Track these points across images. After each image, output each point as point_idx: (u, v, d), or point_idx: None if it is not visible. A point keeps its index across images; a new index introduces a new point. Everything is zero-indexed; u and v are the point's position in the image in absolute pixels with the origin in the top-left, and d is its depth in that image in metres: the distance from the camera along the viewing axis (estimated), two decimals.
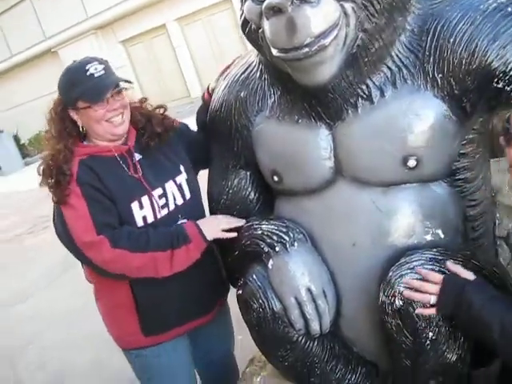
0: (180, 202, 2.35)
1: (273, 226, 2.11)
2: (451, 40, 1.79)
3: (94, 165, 2.23)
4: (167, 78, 17.05)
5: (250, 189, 2.34)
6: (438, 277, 1.73)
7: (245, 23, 1.92)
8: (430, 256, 1.82)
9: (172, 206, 2.32)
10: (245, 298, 2.11)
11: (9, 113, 22.08)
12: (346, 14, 1.73)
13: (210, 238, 2.23)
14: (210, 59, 15.10)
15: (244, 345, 2.55)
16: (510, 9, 1.78)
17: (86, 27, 17.99)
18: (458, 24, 1.79)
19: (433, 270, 1.77)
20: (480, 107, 1.88)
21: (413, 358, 1.88)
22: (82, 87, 2.16)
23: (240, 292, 2.14)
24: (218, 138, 2.33)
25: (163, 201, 2.30)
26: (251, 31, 1.90)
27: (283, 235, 2.07)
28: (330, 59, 1.75)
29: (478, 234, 2.11)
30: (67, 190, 2.17)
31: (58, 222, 2.25)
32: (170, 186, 2.34)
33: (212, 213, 2.44)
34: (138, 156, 2.34)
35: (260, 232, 2.13)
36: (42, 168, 2.24)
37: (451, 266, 1.76)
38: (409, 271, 1.79)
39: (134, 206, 2.23)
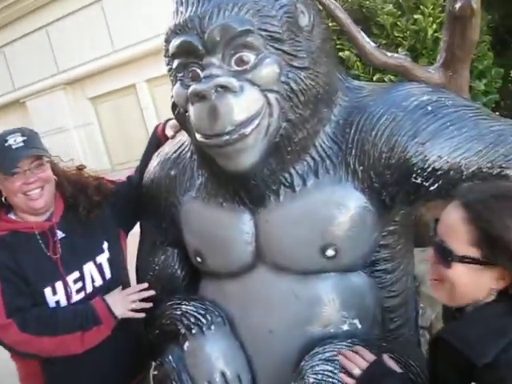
0: (99, 283, 2.30)
1: (192, 308, 2.10)
2: (373, 134, 1.85)
3: (12, 242, 2.19)
4: (133, 137, 17.10)
5: (176, 266, 2.33)
6: (370, 356, 1.73)
7: (174, 106, 1.96)
8: (344, 347, 1.82)
9: (89, 289, 2.28)
10: (159, 379, 2.08)
11: None
12: (269, 103, 1.77)
13: (119, 316, 2.19)
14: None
15: None
16: (430, 107, 1.85)
17: (56, 81, 18.00)
18: (381, 119, 1.85)
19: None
20: (399, 200, 1.91)
21: None
22: (0, 158, 2.16)
23: (155, 372, 2.11)
24: (147, 214, 2.33)
25: (79, 284, 2.26)
26: (179, 114, 1.94)
27: (201, 317, 2.05)
28: (252, 147, 1.78)
29: (397, 324, 2.11)
30: None
31: None
32: (88, 268, 2.29)
33: (117, 277, 2.38)
34: (60, 234, 2.28)
35: (179, 312, 2.11)
36: None
37: (386, 358, 1.74)
38: (320, 362, 1.78)
39: (47, 291, 2.19)
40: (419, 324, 2.36)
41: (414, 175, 1.83)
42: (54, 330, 2.11)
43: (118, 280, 2.37)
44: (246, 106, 1.73)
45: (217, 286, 2.14)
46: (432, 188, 1.85)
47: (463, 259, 1.42)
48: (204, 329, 2.02)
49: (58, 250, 2.24)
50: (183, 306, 2.12)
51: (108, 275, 2.33)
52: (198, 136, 1.81)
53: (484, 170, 1.82)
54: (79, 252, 2.29)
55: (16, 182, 2.16)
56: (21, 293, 2.15)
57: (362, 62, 3.24)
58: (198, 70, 1.80)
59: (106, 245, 2.36)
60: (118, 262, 2.39)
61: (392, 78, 3.10)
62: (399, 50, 3.11)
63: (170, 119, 2.51)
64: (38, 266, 2.20)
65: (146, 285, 2.25)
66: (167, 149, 2.29)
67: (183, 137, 2.25)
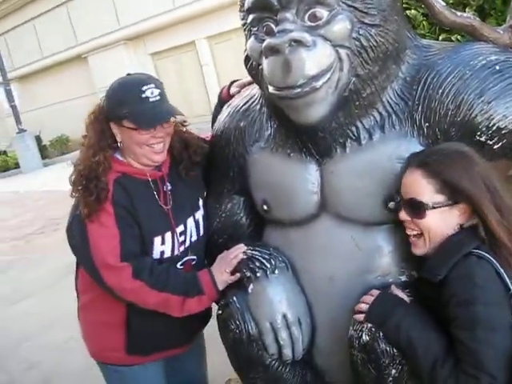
0: (194, 238, 2.37)
1: (257, 252, 2.20)
2: (440, 91, 1.89)
3: (128, 186, 2.20)
4: (192, 94, 17.24)
5: (242, 214, 2.43)
6: (376, 292, 1.89)
7: (247, 59, 2.03)
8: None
9: (188, 243, 2.34)
10: (223, 318, 2.19)
11: (33, 113, 22.40)
12: (340, 59, 1.83)
13: (221, 287, 2.22)
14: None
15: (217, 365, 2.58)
16: (497, 67, 1.88)
17: (117, 37, 18.27)
18: (448, 77, 1.89)
19: None
20: None
21: None
22: (134, 108, 2.11)
23: (220, 312, 2.21)
24: (216, 164, 2.42)
25: (182, 238, 2.32)
26: (252, 67, 2.01)
27: (265, 262, 2.15)
28: (322, 100, 1.85)
29: None
30: (100, 206, 2.13)
31: (77, 235, 2.20)
32: (190, 223, 2.35)
33: (206, 234, 2.46)
34: (168, 186, 2.31)
35: (245, 257, 2.21)
36: (74, 177, 2.19)
37: (394, 289, 1.91)
38: None
39: (157, 240, 2.24)
40: None
41: (479, 133, 1.88)
42: (163, 286, 2.16)
43: (206, 238, 2.44)
44: (318, 61, 1.79)
45: (281, 234, 2.24)
46: (496, 146, 1.90)
47: (434, 206, 1.75)
48: (268, 272, 2.12)
49: (168, 201, 2.29)
50: (248, 251, 2.22)
51: (201, 231, 2.40)
52: (270, 88, 1.88)
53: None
54: (184, 206, 2.35)
55: (145, 135, 2.15)
56: (136, 237, 2.19)
57: (428, 21, 3.23)
58: (273, 25, 1.86)
59: (201, 202, 2.43)
60: (207, 219, 2.46)
61: (459, 37, 3.09)
62: (466, 9, 3.09)
63: (233, 81, 2.60)
64: (151, 213, 2.23)
65: (243, 246, 2.27)
66: (237, 101, 2.37)
67: (253, 90, 2.32)
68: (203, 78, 17.12)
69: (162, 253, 2.27)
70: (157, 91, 2.15)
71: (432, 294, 1.77)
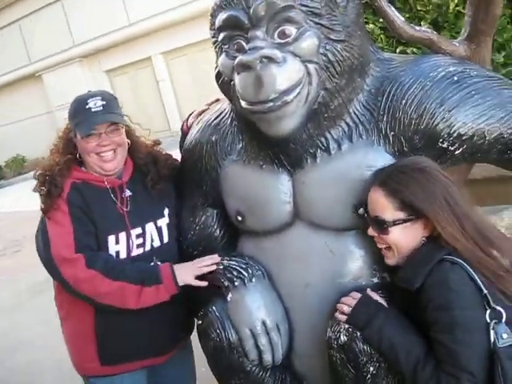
0: (157, 244, 2.44)
1: (234, 262, 2.26)
2: (403, 102, 2.00)
3: (84, 190, 2.34)
4: (149, 110, 17.24)
5: (215, 226, 2.49)
6: (357, 295, 1.97)
7: (218, 75, 2.11)
8: None
9: (148, 247, 2.42)
10: (204, 328, 2.25)
11: None
12: (309, 73, 1.93)
13: (181, 283, 2.29)
14: (192, 94, 15.34)
15: (207, 377, 2.61)
16: (456, 78, 2.00)
17: (71, 54, 18.21)
18: (410, 88, 2.00)
19: None
20: None
21: None
22: (78, 119, 2.31)
23: (200, 322, 2.27)
24: (188, 178, 2.48)
25: (140, 240, 2.40)
26: (223, 82, 2.09)
27: (243, 271, 2.22)
28: (292, 114, 1.94)
29: None
30: (55, 205, 2.28)
31: (39, 235, 2.34)
32: (150, 228, 2.43)
33: (180, 248, 2.53)
34: (128, 192, 2.43)
35: (222, 267, 2.28)
36: (37, 173, 2.36)
37: (370, 293, 2.00)
38: None
39: (111, 239, 2.33)
40: None
41: (441, 140, 1.99)
42: (118, 274, 2.25)
43: (174, 247, 2.52)
44: (288, 76, 1.88)
45: (255, 244, 2.31)
46: (457, 152, 2.01)
47: (395, 223, 1.85)
48: (246, 281, 2.19)
49: (126, 205, 2.40)
50: (225, 262, 2.29)
51: (166, 239, 2.47)
52: (242, 103, 1.96)
53: (505, 136, 2.00)
54: (143, 211, 2.44)
55: (91, 143, 2.32)
56: (90, 233, 2.30)
57: (385, 34, 3.37)
58: (243, 43, 1.95)
59: (166, 211, 2.51)
60: (174, 230, 2.52)
61: (415, 50, 3.24)
62: (422, 23, 3.24)
63: (190, 115, 2.73)
64: (106, 213, 2.35)
65: (217, 257, 2.35)
66: (207, 116, 2.44)
67: (223, 105, 2.40)
68: (160, 93, 17.16)
69: (118, 253, 2.36)
70: (100, 102, 2.33)
71: (407, 299, 1.87)
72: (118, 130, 2.36)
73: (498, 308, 1.71)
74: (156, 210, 2.49)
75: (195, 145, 2.42)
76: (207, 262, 2.32)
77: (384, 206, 1.86)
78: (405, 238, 1.86)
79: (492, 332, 1.69)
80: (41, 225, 2.35)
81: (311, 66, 1.92)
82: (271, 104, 1.88)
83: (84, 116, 2.31)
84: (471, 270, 1.73)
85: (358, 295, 1.98)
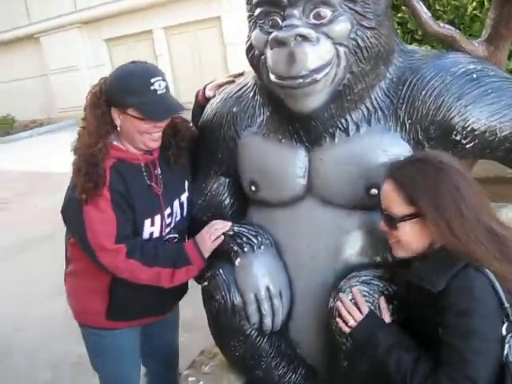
0: (178, 218, 2.50)
1: (244, 229, 2.37)
2: (423, 92, 2.10)
3: (123, 171, 2.30)
4: None
5: (226, 194, 2.58)
6: (366, 309, 2.02)
7: (249, 48, 2.19)
8: (377, 274, 2.12)
9: (173, 224, 2.47)
10: (209, 289, 2.35)
11: None
12: (338, 55, 2.02)
13: (207, 255, 2.37)
14: (190, 72, 15.35)
15: (186, 345, 2.72)
16: (474, 75, 2.11)
17: (72, 19, 18.06)
18: (431, 80, 2.11)
19: (377, 285, 2.06)
20: None
21: (349, 360, 2.14)
22: (142, 99, 2.20)
23: (206, 283, 2.38)
24: (206, 145, 2.56)
25: (169, 220, 2.45)
26: (254, 56, 2.17)
27: (252, 238, 2.32)
28: (319, 92, 2.03)
29: None
30: (97, 192, 2.21)
31: (73, 216, 2.29)
32: (176, 205, 2.48)
33: (189, 214, 2.59)
34: (158, 169, 2.42)
35: (231, 233, 2.38)
36: (77, 163, 2.26)
37: (382, 302, 2.05)
38: (358, 283, 2.08)
39: (147, 222, 2.36)
40: None
41: (455, 132, 2.10)
42: (153, 261, 2.30)
43: (188, 217, 2.58)
44: (320, 55, 1.97)
45: (265, 214, 2.41)
46: (468, 146, 2.12)
47: (403, 218, 1.84)
48: (255, 248, 2.30)
49: (159, 185, 2.41)
50: (235, 228, 2.39)
51: (185, 212, 2.53)
52: (272, 77, 2.05)
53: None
54: (171, 189, 2.47)
55: (147, 125, 2.26)
56: (129, 220, 2.31)
57: (401, 29, 3.47)
58: (279, 20, 2.03)
59: (186, 184, 2.56)
60: (192, 201, 2.59)
61: (428, 47, 3.33)
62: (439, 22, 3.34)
63: (206, 84, 2.72)
64: (143, 197, 2.34)
65: (227, 222, 2.44)
66: (230, 88, 2.53)
67: (246, 79, 2.49)
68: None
69: (151, 234, 2.39)
70: (164, 84, 2.26)
71: (418, 293, 1.89)
72: None
73: None
74: (179, 185, 2.53)
75: (215, 114, 2.50)
76: (219, 226, 2.41)
77: (393, 200, 1.87)
78: (413, 233, 1.85)
79: (507, 346, 1.70)
80: (75, 203, 2.27)
81: (341, 49, 2.01)
82: (301, 80, 1.97)
83: (151, 98, 2.22)
84: (494, 280, 1.72)
85: (363, 307, 2.03)
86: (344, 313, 2.03)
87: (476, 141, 2.11)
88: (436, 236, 1.80)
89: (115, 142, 2.34)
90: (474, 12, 3.33)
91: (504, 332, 1.70)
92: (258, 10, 2.11)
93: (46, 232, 6.75)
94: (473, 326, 1.69)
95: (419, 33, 3.30)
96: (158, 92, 2.23)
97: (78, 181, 2.23)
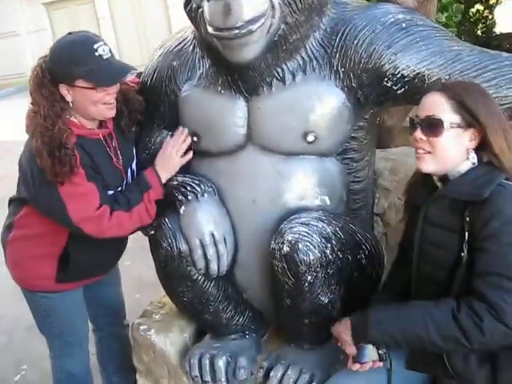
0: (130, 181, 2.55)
1: (187, 179, 2.44)
2: (355, 42, 2.20)
3: (86, 146, 2.30)
4: None
5: None
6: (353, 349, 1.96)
7: (187, 2, 2.22)
8: (316, 216, 2.23)
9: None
10: (156, 238, 2.42)
11: None
12: (273, 7, 2.08)
13: (174, 172, 2.45)
14: (132, 35, 15.16)
15: (140, 302, 2.77)
16: (404, 24, 2.21)
17: None
18: (362, 30, 2.20)
19: (315, 226, 2.18)
20: (372, 100, 2.29)
21: (292, 298, 2.26)
22: (89, 67, 2.16)
23: (152, 232, 2.45)
24: (147, 100, 2.58)
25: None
26: (191, 9, 2.20)
27: (196, 186, 2.39)
28: (255, 42, 2.09)
29: (358, 205, 2.53)
30: (73, 173, 2.20)
31: (49, 201, 2.28)
32: (129, 173, 2.53)
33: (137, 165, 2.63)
34: (115, 141, 2.45)
35: (176, 183, 2.45)
36: (38, 148, 2.19)
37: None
38: (298, 224, 2.18)
39: (110, 193, 2.41)
40: (374, 210, 2.79)
41: (386, 79, 2.20)
42: (128, 204, 2.36)
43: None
44: (255, 6, 2.02)
45: (209, 164, 2.48)
46: (399, 92, 2.23)
47: (451, 125, 1.82)
48: (198, 196, 2.37)
49: (119, 157, 2.45)
50: (179, 178, 2.46)
51: (130, 179, 2.55)
52: (209, 29, 2.10)
53: (442, 81, 2.21)
54: (127, 158, 2.52)
55: (100, 93, 2.23)
56: (103, 186, 2.35)
57: None
58: None
59: (134, 150, 2.60)
60: (136, 155, 2.63)
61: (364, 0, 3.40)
62: None
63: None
64: (109, 170, 2.39)
65: (185, 130, 2.45)
66: (169, 43, 2.56)
67: (185, 33, 2.53)
68: (99, 31, 16.80)
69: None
70: (107, 48, 2.23)
71: (440, 218, 1.89)
72: None
73: None
74: (131, 152, 2.57)
75: (156, 68, 2.54)
76: (182, 138, 2.45)
77: (442, 106, 1.85)
78: (452, 144, 1.84)
79: None
80: (46, 187, 2.25)
81: (276, 0, 2.07)
82: (237, 31, 2.02)
83: (98, 64, 2.18)
84: None
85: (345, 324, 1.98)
86: (342, 339, 2.00)
87: (406, 87, 2.21)
88: (471, 147, 1.85)
89: (72, 118, 2.31)
90: None
91: None
92: None
93: None
94: None
95: None
96: (104, 57, 2.20)
97: (45, 165, 2.19)
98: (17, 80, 18.31)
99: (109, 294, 3.00)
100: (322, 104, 2.22)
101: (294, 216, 2.23)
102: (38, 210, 2.39)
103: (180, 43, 2.51)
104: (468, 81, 2.07)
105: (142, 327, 2.74)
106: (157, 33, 12.81)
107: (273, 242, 2.21)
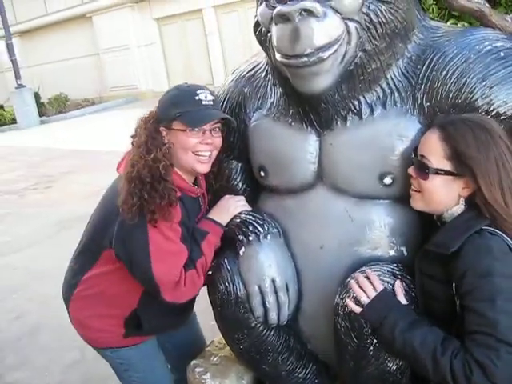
0: None
1: (251, 217, 2.24)
2: (443, 73, 1.93)
3: (185, 202, 2.22)
4: (194, 63, 17.21)
5: (238, 179, 2.47)
6: (380, 286, 1.87)
7: (256, 25, 2.05)
8: (389, 269, 1.96)
9: None
10: (213, 279, 2.24)
11: (34, 69, 22.33)
12: (348, 32, 1.86)
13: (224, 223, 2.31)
14: (239, 50, 15.24)
15: (216, 330, 2.62)
16: (502, 54, 1.91)
17: None
18: (453, 59, 1.92)
19: (387, 282, 1.90)
20: None
21: (356, 361, 2.00)
22: (185, 108, 2.12)
23: (210, 273, 2.26)
24: None
25: None
26: (261, 33, 2.03)
27: (258, 227, 2.19)
28: (327, 72, 1.88)
29: None
30: (171, 209, 2.10)
31: (135, 244, 2.13)
32: None
33: None
34: (205, 204, 2.39)
35: (238, 221, 2.26)
36: (132, 175, 2.10)
37: (398, 285, 1.90)
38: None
39: None
40: None
41: None
42: (193, 259, 2.20)
43: None
44: (327, 32, 1.81)
45: (276, 201, 2.28)
46: None
47: (438, 171, 1.76)
48: (260, 237, 2.17)
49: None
50: (242, 215, 2.27)
51: None
52: (277, 55, 1.91)
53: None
54: None
55: (193, 139, 2.14)
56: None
57: (437, 5, 3.24)
58: None
59: None
60: None
61: (466, 24, 3.11)
62: None
63: None
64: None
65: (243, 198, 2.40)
66: (242, 67, 2.40)
67: (258, 58, 2.35)
68: (207, 46, 17.07)
69: None
70: (210, 97, 2.17)
71: (432, 270, 1.81)
72: (219, 132, 2.23)
73: None
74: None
75: (227, 95, 2.38)
76: (242, 203, 2.37)
77: (434, 149, 1.78)
78: (441, 190, 1.78)
79: None
80: (137, 230, 2.12)
81: (352, 25, 1.85)
82: (306, 59, 1.82)
83: (194, 106, 2.13)
84: (511, 242, 1.68)
85: (377, 284, 1.89)
86: (357, 290, 1.90)
87: (502, 126, 1.92)
88: (468, 196, 1.77)
89: (175, 168, 2.21)
90: None
91: None
92: None
93: (90, 211, 6.75)
94: (497, 286, 1.61)
95: None
96: (203, 102, 2.14)
97: (142, 202, 2.07)
98: (126, 92, 18.92)
99: (186, 336, 2.79)
100: (402, 142, 1.96)
101: (363, 268, 1.98)
102: (118, 254, 2.19)
103: (253, 68, 2.34)
104: (475, 119, 1.80)
105: (197, 369, 2.56)
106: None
107: (337, 296, 1.98)
